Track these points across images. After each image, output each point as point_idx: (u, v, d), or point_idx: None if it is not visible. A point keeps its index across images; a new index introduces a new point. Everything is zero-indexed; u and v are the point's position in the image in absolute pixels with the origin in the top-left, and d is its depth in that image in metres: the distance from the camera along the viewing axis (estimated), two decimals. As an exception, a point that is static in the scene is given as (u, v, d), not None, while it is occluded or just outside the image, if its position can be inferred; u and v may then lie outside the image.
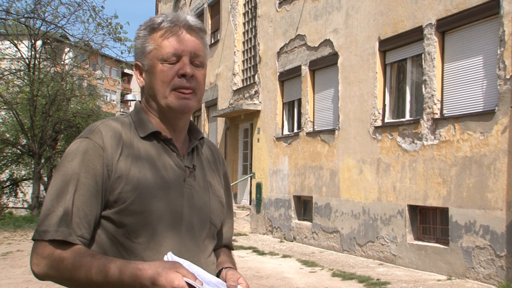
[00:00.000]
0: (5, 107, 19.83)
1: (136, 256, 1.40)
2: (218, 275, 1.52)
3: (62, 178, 1.39)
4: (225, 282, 1.43)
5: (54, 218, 1.35)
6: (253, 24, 14.91)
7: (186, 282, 1.22)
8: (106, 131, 1.44)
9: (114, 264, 1.29)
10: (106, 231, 1.41)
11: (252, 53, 15.01)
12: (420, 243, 8.43)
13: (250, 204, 14.59)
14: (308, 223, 11.59)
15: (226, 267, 1.56)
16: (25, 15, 16.28)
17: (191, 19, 1.51)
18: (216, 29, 17.63)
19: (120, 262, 1.30)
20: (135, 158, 1.44)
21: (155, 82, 1.47)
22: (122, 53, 28.13)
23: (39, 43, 19.08)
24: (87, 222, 1.38)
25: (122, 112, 47.34)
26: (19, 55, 19.03)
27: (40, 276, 1.37)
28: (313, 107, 11.76)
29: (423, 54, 8.52)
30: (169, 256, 1.33)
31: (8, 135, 21.39)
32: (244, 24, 15.72)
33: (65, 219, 1.35)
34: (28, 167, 22.70)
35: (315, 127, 11.65)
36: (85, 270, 1.30)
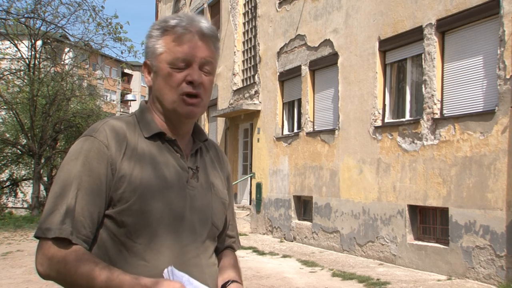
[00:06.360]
0: (5, 107, 19.84)
1: (137, 256, 1.40)
2: None
3: (66, 177, 1.39)
4: None
5: (57, 216, 1.35)
6: (253, 24, 14.90)
7: None
8: (110, 130, 1.44)
9: (109, 271, 1.31)
10: (108, 230, 1.41)
11: (252, 53, 15.01)
12: (420, 243, 8.43)
13: (250, 204, 14.59)
14: (308, 223, 11.59)
15: (230, 281, 1.55)
16: (25, 15, 16.27)
17: (205, 25, 1.50)
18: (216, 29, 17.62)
19: (121, 271, 1.32)
20: (139, 158, 1.44)
21: (163, 85, 1.47)
22: (122, 53, 27.98)
23: (39, 43, 19.09)
24: (91, 221, 1.38)
25: (122, 112, 47.38)
26: (19, 55, 19.02)
27: (44, 276, 1.37)
28: (313, 107, 11.76)
29: (423, 54, 8.52)
30: (169, 270, 1.32)
31: (8, 135, 21.38)
32: (244, 24, 15.72)
33: (69, 217, 1.35)
34: (28, 167, 22.70)
35: (315, 127, 11.65)
36: (87, 276, 1.31)
